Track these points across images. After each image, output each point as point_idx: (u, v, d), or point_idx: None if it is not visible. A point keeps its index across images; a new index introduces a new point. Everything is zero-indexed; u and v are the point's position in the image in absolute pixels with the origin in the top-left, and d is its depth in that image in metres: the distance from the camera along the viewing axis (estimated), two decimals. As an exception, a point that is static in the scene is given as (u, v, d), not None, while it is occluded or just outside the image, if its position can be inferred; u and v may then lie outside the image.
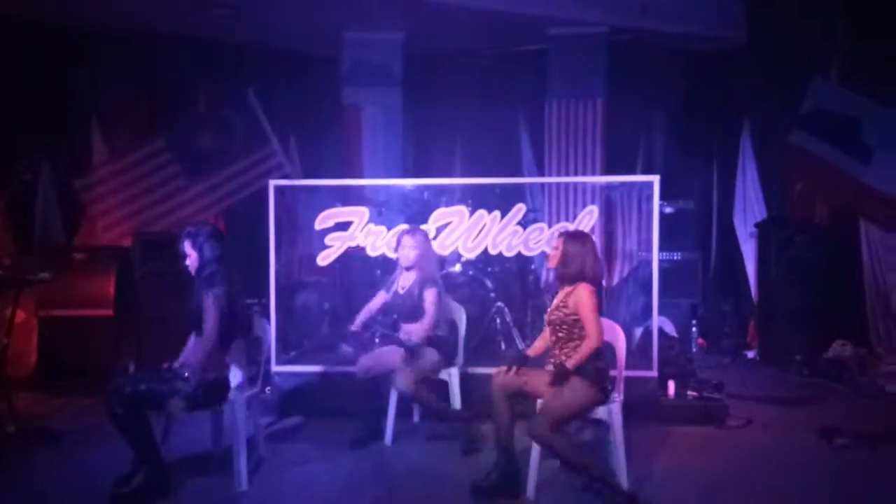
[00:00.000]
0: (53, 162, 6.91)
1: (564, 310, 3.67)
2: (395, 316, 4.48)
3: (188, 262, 3.76)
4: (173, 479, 3.63)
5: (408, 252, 4.51)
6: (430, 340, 4.42)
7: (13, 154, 6.76)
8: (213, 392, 3.68)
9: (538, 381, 3.63)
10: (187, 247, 3.75)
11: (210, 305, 3.61)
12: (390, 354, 4.39)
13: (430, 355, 4.42)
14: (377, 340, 4.94)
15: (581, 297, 3.62)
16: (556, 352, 3.71)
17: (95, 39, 6.85)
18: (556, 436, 3.45)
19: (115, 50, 6.88)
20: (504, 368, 3.71)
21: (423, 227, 4.96)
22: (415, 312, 4.42)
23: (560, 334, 3.68)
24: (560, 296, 3.78)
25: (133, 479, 3.48)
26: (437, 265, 4.67)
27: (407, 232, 4.62)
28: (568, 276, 3.72)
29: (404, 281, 4.58)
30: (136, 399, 3.49)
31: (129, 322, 6.00)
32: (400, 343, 4.41)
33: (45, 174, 6.84)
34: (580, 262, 3.70)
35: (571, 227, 5.04)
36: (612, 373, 3.73)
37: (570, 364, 3.55)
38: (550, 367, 3.71)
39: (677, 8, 7.33)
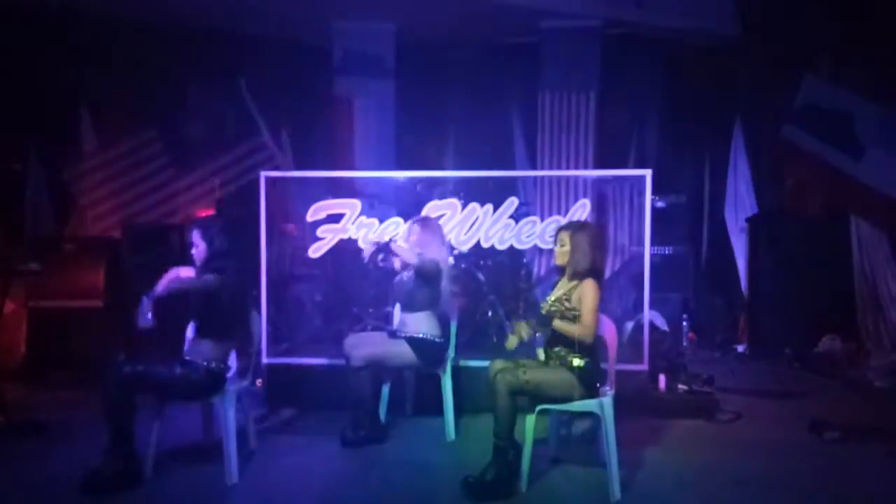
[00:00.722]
0: (43, 152, 6.86)
1: (567, 303, 3.60)
2: (387, 309, 4.46)
3: (194, 251, 3.75)
4: (145, 471, 3.62)
5: (412, 240, 4.48)
6: (411, 340, 4.36)
7: (2, 144, 6.70)
8: (212, 381, 3.67)
9: (539, 375, 3.56)
10: (196, 237, 3.74)
11: (205, 281, 3.60)
12: (389, 343, 4.40)
13: (398, 348, 4.35)
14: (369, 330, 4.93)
15: (585, 292, 3.56)
16: (549, 350, 3.69)
17: (85, 29, 6.78)
18: (504, 392, 3.44)
19: (104, 40, 6.82)
20: (513, 363, 3.68)
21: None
22: (414, 299, 4.40)
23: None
24: (563, 287, 3.71)
25: (104, 469, 3.47)
26: (444, 254, 4.61)
27: (416, 221, 4.56)
28: (581, 272, 3.62)
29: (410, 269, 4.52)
30: (133, 380, 3.49)
31: (119, 314, 5.97)
32: (392, 334, 4.42)
33: (34, 165, 6.79)
34: (591, 254, 3.63)
35: (564, 220, 5.01)
36: (603, 366, 3.73)
37: (555, 322, 3.55)
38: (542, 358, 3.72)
39: (671, 2, 7.33)
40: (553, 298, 3.70)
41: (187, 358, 3.73)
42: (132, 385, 3.50)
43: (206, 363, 3.66)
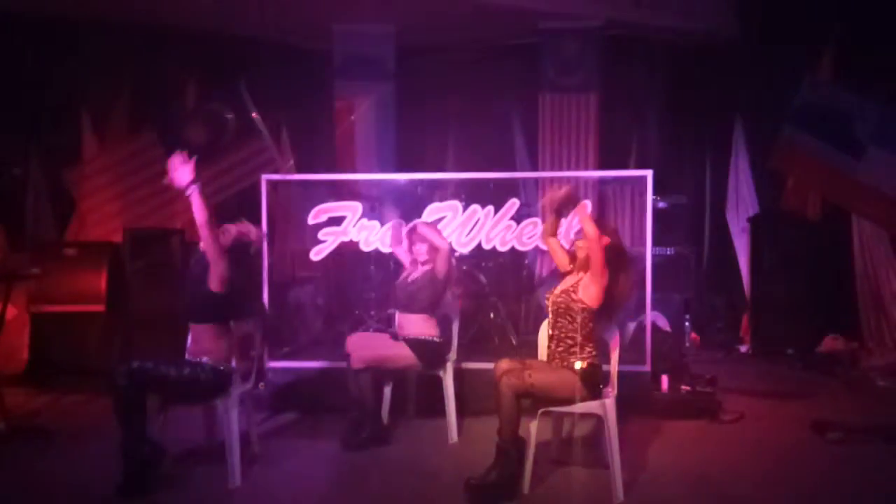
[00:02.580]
0: (43, 156, 6.86)
1: (573, 294, 3.59)
2: (389, 311, 4.46)
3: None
4: (159, 472, 3.59)
5: (421, 247, 4.46)
6: (412, 342, 4.35)
7: (2, 148, 6.70)
8: (220, 381, 3.68)
9: (544, 377, 3.54)
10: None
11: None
12: (390, 345, 4.39)
13: (398, 351, 4.34)
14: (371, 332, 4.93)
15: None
16: (553, 346, 3.68)
17: (84, 32, 6.79)
18: (509, 395, 3.42)
19: (104, 43, 6.82)
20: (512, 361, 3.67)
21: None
22: (414, 302, 4.40)
23: (560, 321, 3.62)
24: (569, 280, 3.71)
25: (128, 470, 3.45)
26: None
27: (416, 224, 4.56)
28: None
29: (415, 272, 4.52)
30: (142, 375, 3.49)
31: (121, 318, 5.97)
32: (394, 336, 4.42)
33: (34, 169, 6.79)
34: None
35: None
36: (605, 368, 3.72)
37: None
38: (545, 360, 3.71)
39: (671, 3, 7.33)
40: (559, 290, 3.70)
41: (191, 359, 3.73)
42: (143, 384, 3.50)
43: (213, 364, 3.66)
